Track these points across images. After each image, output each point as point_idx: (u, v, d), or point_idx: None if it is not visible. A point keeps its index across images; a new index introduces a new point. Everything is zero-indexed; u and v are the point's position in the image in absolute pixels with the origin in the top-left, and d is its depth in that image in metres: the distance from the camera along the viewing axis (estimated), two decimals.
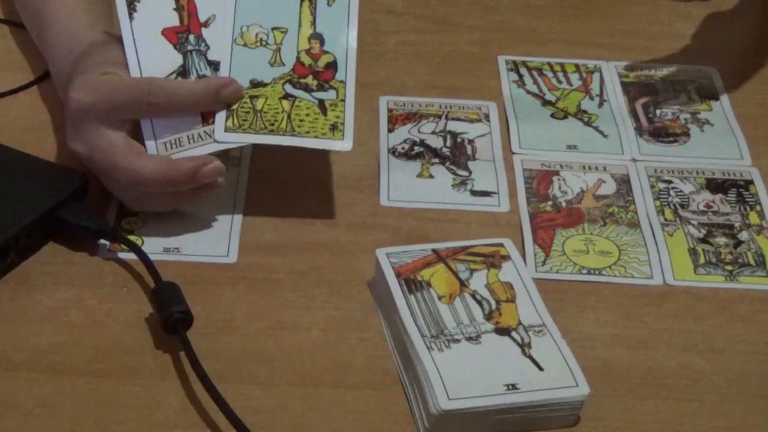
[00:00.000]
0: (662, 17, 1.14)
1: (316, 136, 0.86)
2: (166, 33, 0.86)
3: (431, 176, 0.95)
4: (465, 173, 0.95)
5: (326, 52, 0.87)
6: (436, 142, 0.98)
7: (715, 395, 0.79)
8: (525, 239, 0.89)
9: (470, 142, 0.98)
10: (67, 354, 0.79)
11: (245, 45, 0.86)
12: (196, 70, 0.86)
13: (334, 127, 0.87)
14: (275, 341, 0.81)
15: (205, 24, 0.86)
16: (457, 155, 0.97)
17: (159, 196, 0.86)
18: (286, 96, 0.87)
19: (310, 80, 0.87)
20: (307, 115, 0.87)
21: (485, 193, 0.93)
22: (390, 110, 1.01)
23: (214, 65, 0.86)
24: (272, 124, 0.86)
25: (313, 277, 0.85)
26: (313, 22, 0.86)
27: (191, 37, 0.86)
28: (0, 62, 1.03)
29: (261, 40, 0.86)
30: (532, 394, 0.75)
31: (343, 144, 0.86)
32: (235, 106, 0.86)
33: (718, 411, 0.78)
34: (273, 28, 0.86)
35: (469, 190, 0.94)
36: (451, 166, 0.96)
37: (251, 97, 0.86)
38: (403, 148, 0.97)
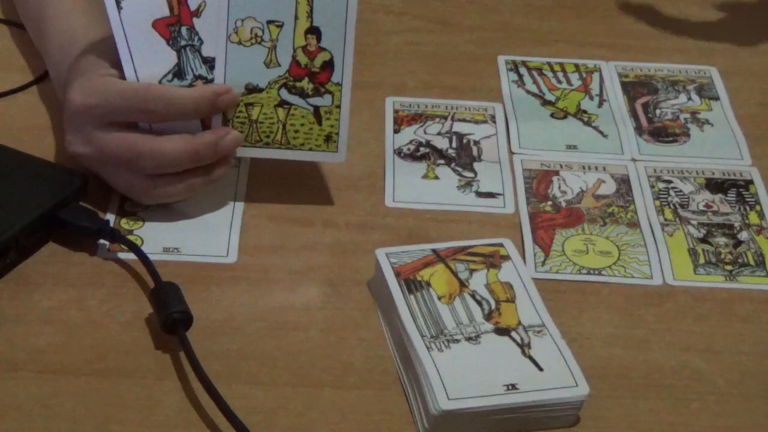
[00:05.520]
0: (662, 17, 1.14)
1: (310, 149, 0.88)
2: (157, 26, 0.85)
3: (437, 177, 0.95)
4: (470, 174, 0.95)
5: (323, 49, 0.86)
6: (441, 144, 0.98)
7: (715, 395, 0.79)
8: (525, 239, 0.89)
9: (476, 143, 0.98)
10: (66, 354, 0.79)
11: (240, 42, 0.86)
12: (192, 70, 0.86)
13: (328, 138, 0.88)
14: (275, 341, 0.80)
15: (197, 13, 0.85)
16: (462, 156, 0.96)
17: (174, 181, 0.86)
18: (282, 103, 0.87)
19: (305, 84, 0.87)
20: (302, 124, 0.87)
21: (490, 195, 0.93)
22: (396, 111, 1.01)
23: (210, 62, 0.86)
24: (267, 136, 0.87)
25: (313, 277, 0.85)
26: (310, 14, 0.86)
27: (183, 30, 0.85)
28: (0, 62, 1.03)
29: (256, 35, 0.86)
30: (531, 395, 0.75)
31: (336, 156, 0.89)
32: (230, 116, 0.86)
33: (718, 411, 0.78)
34: (268, 22, 0.86)
35: (474, 192, 0.93)
36: (457, 168, 0.95)
37: (247, 105, 0.86)
38: (408, 149, 0.97)
